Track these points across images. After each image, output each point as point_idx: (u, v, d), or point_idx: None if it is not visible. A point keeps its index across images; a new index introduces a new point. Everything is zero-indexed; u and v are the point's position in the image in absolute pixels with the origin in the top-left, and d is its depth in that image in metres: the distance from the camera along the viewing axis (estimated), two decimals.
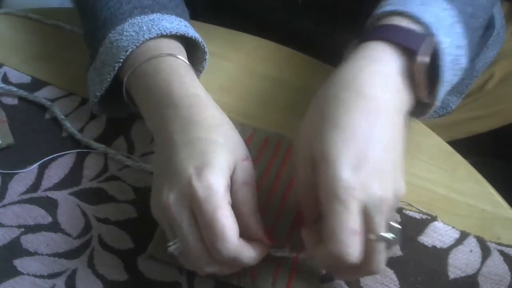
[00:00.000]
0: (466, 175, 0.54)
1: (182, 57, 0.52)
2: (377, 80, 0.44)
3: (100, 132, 0.57)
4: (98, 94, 0.53)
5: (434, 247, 0.50)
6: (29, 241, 0.50)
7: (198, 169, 0.43)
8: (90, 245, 0.50)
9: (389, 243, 0.42)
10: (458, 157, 0.56)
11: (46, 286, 0.48)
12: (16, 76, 0.62)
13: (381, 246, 0.41)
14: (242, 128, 0.56)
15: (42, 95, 0.60)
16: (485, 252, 0.50)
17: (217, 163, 0.44)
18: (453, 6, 0.48)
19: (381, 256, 0.42)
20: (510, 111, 0.79)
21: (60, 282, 0.48)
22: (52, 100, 0.59)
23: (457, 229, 0.51)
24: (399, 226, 0.42)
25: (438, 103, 0.48)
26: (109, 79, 0.52)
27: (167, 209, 0.43)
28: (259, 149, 0.55)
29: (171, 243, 0.44)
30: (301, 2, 0.68)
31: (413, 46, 0.45)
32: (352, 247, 0.40)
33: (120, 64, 0.52)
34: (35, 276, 0.48)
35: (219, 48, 0.64)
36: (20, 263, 0.49)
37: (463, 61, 0.49)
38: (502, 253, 0.50)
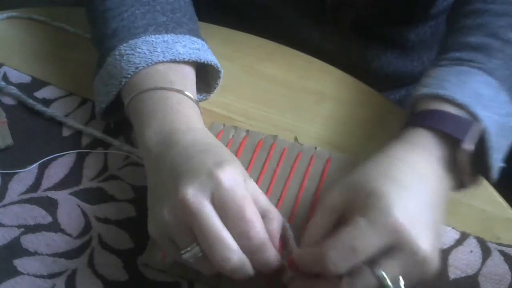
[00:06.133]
0: None
1: (189, 92, 0.51)
2: (422, 166, 0.45)
3: (100, 132, 0.57)
4: (103, 106, 0.53)
5: None
6: (29, 241, 0.50)
7: (218, 163, 0.42)
8: (90, 245, 0.50)
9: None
10: None
11: (46, 286, 0.48)
12: (16, 76, 0.62)
13: (371, 282, 0.40)
14: (236, 130, 0.56)
15: (42, 95, 0.60)
16: (486, 252, 0.50)
17: (236, 162, 0.44)
18: (496, 76, 0.48)
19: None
20: None
21: (60, 282, 0.48)
22: (52, 100, 0.59)
23: (457, 230, 0.51)
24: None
25: (495, 175, 0.48)
26: (114, 93, 0.52)
27: (185, 206, 0.41)
28: (253, 151, 0.55)
29: (188, 248, 0.42)
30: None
31: (459, 135, 0.45)
32: (342, 263, 0.39)
33: (127, 80, 0.51)
34: (35, 276, 0.48)
35: (219, 48, 0.63)
36: (20, 263, 0.49)
37: None
38: (502, 253, 0.50)
